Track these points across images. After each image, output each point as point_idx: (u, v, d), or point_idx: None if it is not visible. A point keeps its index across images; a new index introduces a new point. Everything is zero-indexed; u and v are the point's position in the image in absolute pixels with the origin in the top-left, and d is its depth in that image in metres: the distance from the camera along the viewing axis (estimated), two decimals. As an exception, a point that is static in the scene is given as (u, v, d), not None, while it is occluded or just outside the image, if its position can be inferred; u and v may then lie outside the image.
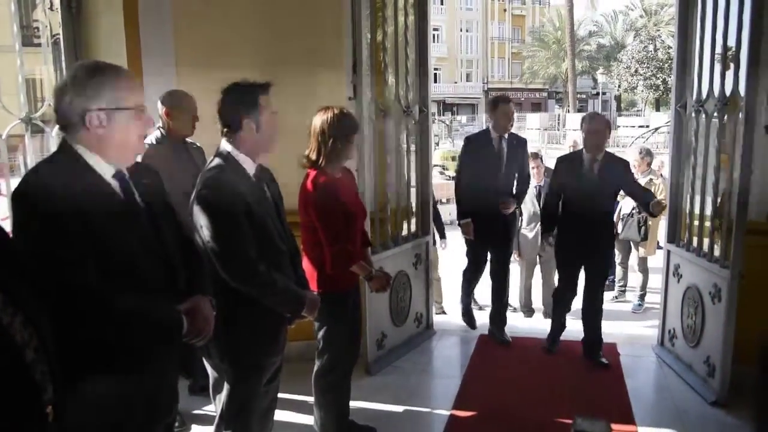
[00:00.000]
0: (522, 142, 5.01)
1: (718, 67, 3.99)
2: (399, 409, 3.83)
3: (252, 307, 2.38)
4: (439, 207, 6.10)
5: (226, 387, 2.47)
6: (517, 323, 5.57)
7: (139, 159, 2.02)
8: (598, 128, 4.36)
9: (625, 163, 4.58)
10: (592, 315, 4.54)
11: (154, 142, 3.51)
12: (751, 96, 3.61)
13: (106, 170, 1.82)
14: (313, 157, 3.00)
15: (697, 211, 4.28)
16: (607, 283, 5.21)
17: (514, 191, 4.93)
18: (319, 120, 2.99)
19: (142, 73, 3.81)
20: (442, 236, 5.91)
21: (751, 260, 3.61)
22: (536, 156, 6.24)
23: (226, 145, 2.42)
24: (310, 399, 3.25)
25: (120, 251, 1.75)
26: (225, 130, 2.42)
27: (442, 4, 44.53)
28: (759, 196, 3.71)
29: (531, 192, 5.82)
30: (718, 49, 3.96)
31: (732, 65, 3.87)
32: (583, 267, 4.56)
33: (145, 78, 3.72)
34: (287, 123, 2.69)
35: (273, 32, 4.11)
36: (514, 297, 5.93)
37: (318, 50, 4.12)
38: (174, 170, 3.09)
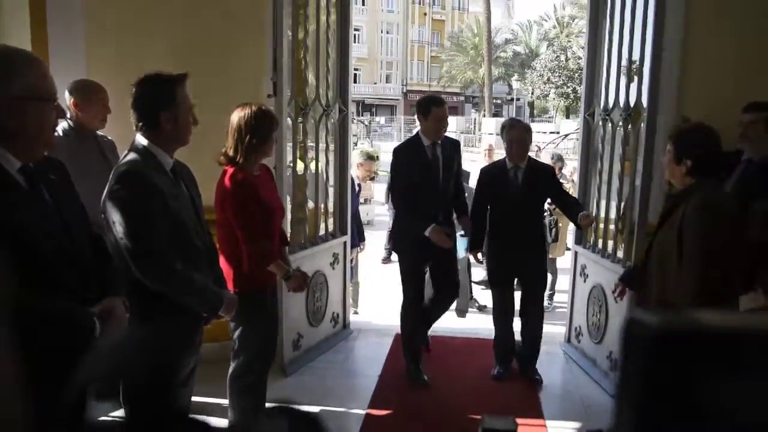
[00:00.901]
0: (456, 146, 4.36)
1: (623, 79, 4.22)
2: (315, 409, 3.80)
3: (167, 307, 2.30)
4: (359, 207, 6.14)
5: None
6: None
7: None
8: (521, 136, 4.21)
9: (551, 170, 4.51)
10: (529, 330, 4.37)
11: (61, 135, 3.33)
12: (652, 107, 3.86)
13: (12, 164, 1.71)
14: (231, 153, 2.95)
15: (603, 214, 4.52)
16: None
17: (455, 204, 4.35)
18: (237, 116, 2.94)
19: (49, 60, 3.60)
20: (361, 238, 5.91)
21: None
22: None
23: (141, 139, 2.33)
24: (225, 401, 3.18)
25: (27, 250, 1.65)
26: (140, 124, 2.33)
27: (363, 4, 44.67)
28: (658, 201, 3.94)
29: None
30: (624, 63, 4.20)
31: (636, 78, 4.11)
32: (517, 281, 4.42)
33: (52, 66, 3.53)
34: (205, 120, 2.63)
35: (190, 26, 4.00)
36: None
37: (237, 46, 4.04)
38: (83, 165, 2.94)
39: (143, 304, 2.23)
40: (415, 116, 4.19)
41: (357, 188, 6.01)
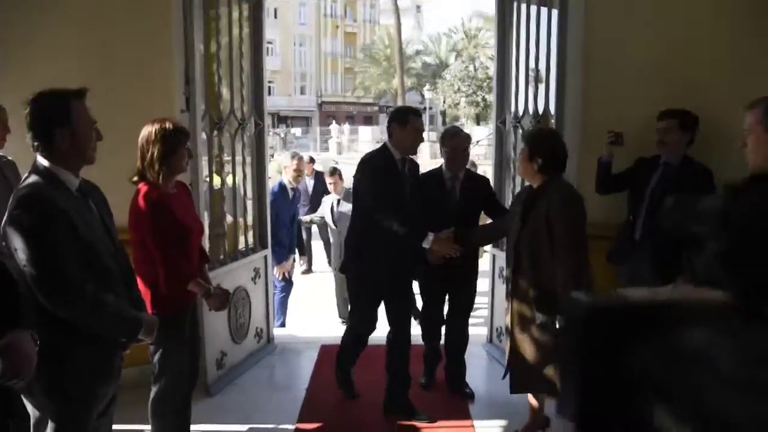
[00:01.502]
0: (416, 167, 4.07)
1: (531, 88, 4.41)
2: (243, 428, 3.74)
3: (79, 334, 2.20)
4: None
5: (50, 427, 2.21)
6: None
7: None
8: (462, 145, 4.10)
9: (486, 181, 4.40)
10: (458, 347, 4.28)
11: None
12: (560, 113, 4.05)
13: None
14: (142, 171, 2.86)
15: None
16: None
17: None
18: (146, 132, 2.86)
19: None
20: (294, 250, 6.09)
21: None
22: (334, 171, 6.69)
23: (42, 160, 2.21)
24: (148, 428, 3.07)
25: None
26: (35, 143, 2.20)
27: (276, 17, 44.32)
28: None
29: (329, 203, 6.40)
30: (531, 72, 4.39)
31: (543, 86, 4.30)
32: (447, 294, 4.25)
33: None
34: (116, 137, 2.55)
35: (98, 41, 3.87)
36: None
37: (147, 61, 3.92)
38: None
39: (54, 335, 2.10)
40: (388, 127, 3.77)
41: (293, 193, 6.02)
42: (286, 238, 5.86)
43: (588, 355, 0.45)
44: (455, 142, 4.07)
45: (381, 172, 3.67)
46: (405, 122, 3.69)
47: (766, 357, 0.37)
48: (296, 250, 6.28)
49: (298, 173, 6.11)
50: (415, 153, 3.89)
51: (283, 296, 5.91)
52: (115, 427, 2.60)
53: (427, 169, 4.39)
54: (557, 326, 3.03)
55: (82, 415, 2.28)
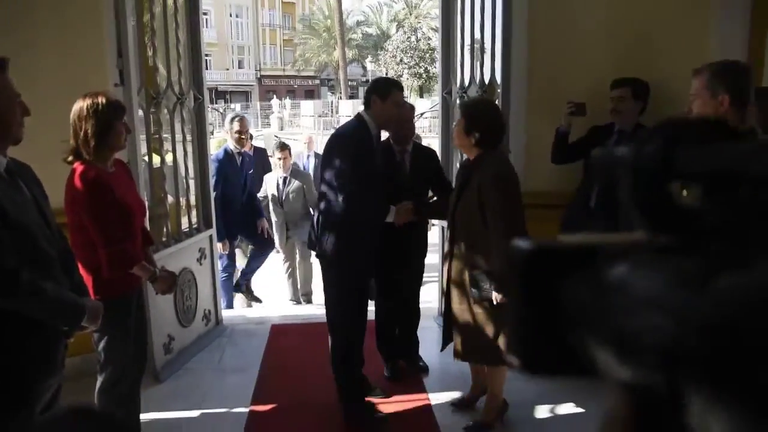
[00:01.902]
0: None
1: (477, 58, 4.37)
2: (195, 413, 3.64)
3: (18, 324, 2.06)
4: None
5: None
6: (302, 310, 5.62)
7: None
8: (409, 116, 4.03)
9: (433, 153, 4.28)
10: (410, 320, 4.23)
11: None
12: (506, 83, 4.03)
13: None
14: (76, 149, 2.69)
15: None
16: None
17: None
18: (78, 108, 2.66)
19: None
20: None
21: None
22: (285, 146, 6.16)
23: None
24: (94, 418, 2.94)
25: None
26: None
27: (209, -14, 43.00)
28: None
29: (275, 181, 5.99)
30: (477, 42, 4.35)
31: (488, 56, 4.28)
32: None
33: None
34: (46, 113, 2.38)
35: (21, 10, 3.59)
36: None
37: (76, 31, 3.69)
38: None
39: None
40: (366, 98, 3.53)
41: (240, 158, 5.59)
42: (240, 212, 5.53)
43: (528, 294, 0.50)
44: (403, 114, 3.88)
45: (362, 153, 3.43)
46: (386, 95, 3.47)
47: (675, 280, 0.42)
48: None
49: (241, 135, 5.58)
50: (390, 130, 3.71)
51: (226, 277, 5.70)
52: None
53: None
54: (493, 300, 3.10)
55: (25, 410, 2.15)
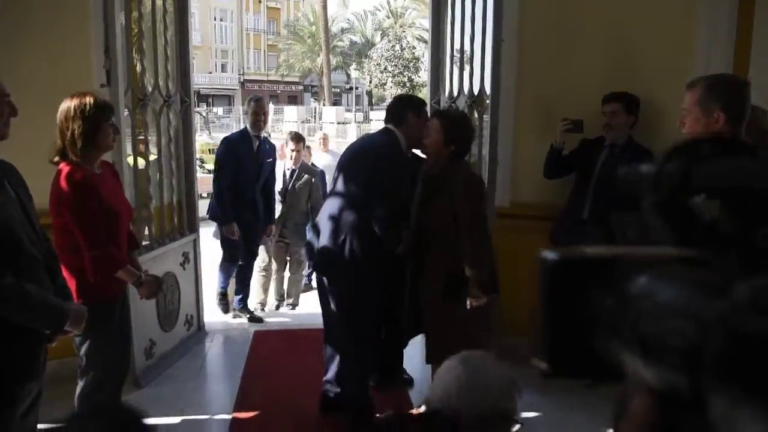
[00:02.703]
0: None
1: (467, 68, 4.39)
2: (176, 420, 3.58)
3: (1, 329, 2.01)
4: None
5: None
6: (285, 317, 5.58)
7: None
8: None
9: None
10: (397, 334, 3.98)
11: None
12: (495, 94, 4.05)
13: None
14: (62, 150, 2.64)
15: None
16: None
17: None
18: (65, 107, 2.62)
19: None
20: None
21: (501, 241, 4.03)
22: (299, 139, 5.77)
23: None
24: (73, 424, 2.87)
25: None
26: None
27: (193, -11, 42.80)
28: (503, 185, 4.15)
29: (281, 172, 5.56)
30: (467, 52, 4.37)
31: (478, 67, 4.29)
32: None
33: None
34: (31, 114, 2.34)
35: (9, 9, 3.54)
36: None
37: (62, 30, 3.64)
38: None
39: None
40: (398, 114, 3.34)
41: (257, 142, 5.07)
42: (250, 204, 5.06)
43: (555, 302, 0.53)
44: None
45: (402, 173, 3.29)
46: (421, 112, 3.39)
47: (698, 288, 0.45)
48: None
49: (258, 117, 5.06)
50: (418, 147, 3.43)
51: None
52: (40, 426, 2.41)
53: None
54: (468, 304, 3.17)
55: (6, 415, 2.09)
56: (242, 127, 5.54)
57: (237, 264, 5.30)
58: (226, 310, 5.41)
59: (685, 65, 3.61)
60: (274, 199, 5.42)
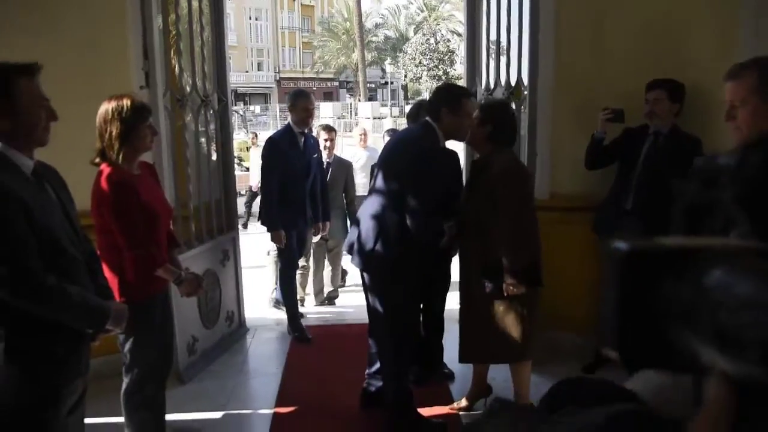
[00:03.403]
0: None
1: (503, 59, 4.32)
2: (218, 415, 3.63)
3: (44, 327, 2.05)
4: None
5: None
6: (326, 313, 5.59)
7: None
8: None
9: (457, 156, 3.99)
10: (438, 328, 4.09)
11: None
12: (533, 85, 3.97)
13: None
14: (104, 151, 2.69)
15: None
16: None
17: None
18: (103, 110, 2.67)
19: None
20: (324, 217, 5.13)
21: (542, 233, 3.95)
22: (330, 129, 5.62)
23: None
24: (120, 419, 2.94)
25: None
26: None
27: (229, -10, 43.26)
28: (542, 177, 4.08)
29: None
30: (503, 44, 4.29)
31: (515, 58, 4.21)
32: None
33: None
34: (72, 116, 2.38)
35: (49, 15, 3.62)
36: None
37: (102, 35, 3.71)
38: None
39: (16, 329, 1.96)
40: (433, 109, 3.26)
41: (303, 139, 4.80)
42: (300, 203, 4.79)
43: (626, 292, 0.53)
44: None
45: (444, 167, 3.30)
46: (458, 107, 3.19)
47: None
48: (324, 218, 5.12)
49: (307, 114, 4.77)
50: (461, 140, 3.40)
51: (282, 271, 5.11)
52: (87, 420, 2.46)
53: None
54: (504, 293, 3.14)
55: (50, 414, 2.13)
56: (280, 124, 5.40)
57: (296, 270, 5.19)
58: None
59: (731, 50, 3.47)
60: (326, 196, 5.16)
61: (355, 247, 3.33)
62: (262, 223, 4.91)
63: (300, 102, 4.77)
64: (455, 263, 4.19)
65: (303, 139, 4.82)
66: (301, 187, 4.79)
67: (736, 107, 1.82)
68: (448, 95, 3.27)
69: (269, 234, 4.83)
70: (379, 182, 3.29)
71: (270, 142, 4.81)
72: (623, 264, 0.53)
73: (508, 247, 3.10)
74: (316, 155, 5.00)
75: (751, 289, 0.44)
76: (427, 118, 3.29)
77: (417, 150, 3.21)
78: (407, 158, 3.21)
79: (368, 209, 3.30)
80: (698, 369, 0.49)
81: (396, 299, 3.28)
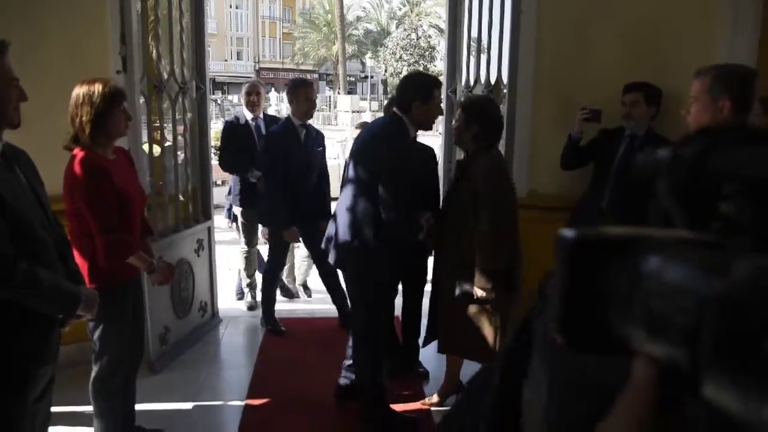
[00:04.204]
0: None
1: (483, 57, 4.33)
2: (189, 405, 3.60)
3: (12, 312, 2.01)
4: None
5: None
6: (299, 305, 5.57)
7: None
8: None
9: (432, 152, 4.07)
10: (415, 325, 4.06)
11: None
12: (513, 83, 3.99)
13: None
14: (75, 135, 2.64)
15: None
16: None
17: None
18: (74, 94, 2.62)
19: None
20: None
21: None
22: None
23: None
24: (88, 408, 2.89)
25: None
26: None
27: (209, -23, 42.77)
28: (521, 176, 4.09)
29: None
30: (484, 41, 4.30)
31: (495, 56, 4.23)
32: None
33: None
34: (48, 101, 2.34)
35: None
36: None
37: (78, 17, 3.64)
38: None
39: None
40: (402, 101, 3.21)
41: (304, 132, 4.57)
42: (305, 202, 4.51)
43: (571, 279, 0.55)
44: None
45: (407, 161, 3.18)
46: (429, 97, 3.17)
47: (702, 267, 0.47)
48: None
49: (310, 105, 4.57)
50: (428, 129, 3.32)
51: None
52: (53, 409, 2.42)
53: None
54: (474, 294, 3.15)
55: (18, 400, 2.10)
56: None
57: (283, 268, 5.17)
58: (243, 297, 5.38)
59: (708, 57, 3.51)
60: (329, 192, 4.89)
61: (332, 242, 3.32)
62: (266, 225, 4.75)
63: (301, 92, 4.53)
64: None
65: (305, 133, 4.59)
66: (305, 184, 4.56)
67: (691, 103, 2.15)
68: (420, 86, 3.23)
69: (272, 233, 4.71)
70: (351, 175, 3.26)
71: (266, 137, 4.66)
72: (569, 252, 0.55)
73: (485, 247, 3.09)
74: (320, 148, 4.75)
75: (679, 276, 0.47)
76: (395, 110, 3.26)
77: (384, 143, 3.18)
78: (374, 151, 3.18)
79: (343, 203, 3.28)
80: (628, 353, 0.52)
81: (370, 294, 3.27)
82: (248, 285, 5.32)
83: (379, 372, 3.43)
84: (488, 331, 3.24)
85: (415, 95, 3.16)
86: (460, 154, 4.04)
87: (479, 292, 3.13)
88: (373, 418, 3.41)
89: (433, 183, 3.93)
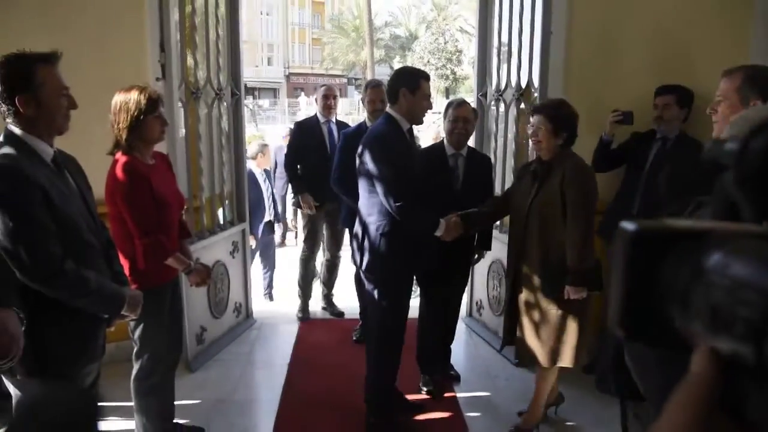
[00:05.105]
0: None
1: (514, 61, 4.34)
2: (225, 403, 3.68)
3: (61, 311, 2.10)
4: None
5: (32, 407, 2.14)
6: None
7: None
8: (468, 116, 3.71)
9: (488, 160, 4.07)
10: (450, 328, 4.11)
11: None
12: (543, 87, 4.01)
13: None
14: (116, 141, 2.74)
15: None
16: None
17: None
18: (113, 101, 2.73)
19: None
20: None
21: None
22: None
23: (13, 128, 2.07)
24: (130, 403, 2.99)
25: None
26: (1, 108, 2.06)
27: (240, -16, 43.29)
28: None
29: None
30: (514, 45, 4.32)
31: (526, 60, 4.24)
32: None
33: None
34: (89, 108, 2.42)
35: (65, 5, 3.68)
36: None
37: (119, 26, 3.76)
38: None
39: (35, 312, 2.00)
40: (391, 92, 3.26)
41: (327, 127, 4.94)
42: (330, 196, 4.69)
43: (632, 272, 0.55)
44: (460, 112, 3.69)
45: (401, 154, 3.20)
46: (416, 88, 3.19)
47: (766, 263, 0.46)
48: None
49: (326, 102, 4.97)
50: (419, 123, 3.34)
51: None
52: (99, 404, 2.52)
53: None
54: (565, 295, 3.06)
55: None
56: (289, 119, 5.40)
57: (316, 254, 5.29)
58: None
59: (741, 59, 3.49)
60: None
61: (355, 243, 3.38)
62: (297, 205, 5.11)
63: (321, 91, 5.10)
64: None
65: (328, 129, 4.94)
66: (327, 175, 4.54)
67: (719, 102, 2.11)
68: (408, 76, 3.27)
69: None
70: (361, 178, 3.30)
71: (297, 126, 5.21)
72: (630, 244, 0.55)
73: (578, 248, 3.01)
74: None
75: (745, 270, 0.46)
76: (387, 109, 3.31)
77: (381, 143, 3.22)
78: (374, 152, 3.20)
79: (362, 206, 3.32)
80: (688, 347, 0.52)
81: (389, 296, 3.28)
82: (325, 296, 5.35)
83: (389, 380, 3.42)
84: (572, 333, 3.13)
85: (402, 83, 3.21)
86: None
87: (573, 293, 3.04)
88: (372, 425, 3.43)
89: (481, 186, 3.85)
